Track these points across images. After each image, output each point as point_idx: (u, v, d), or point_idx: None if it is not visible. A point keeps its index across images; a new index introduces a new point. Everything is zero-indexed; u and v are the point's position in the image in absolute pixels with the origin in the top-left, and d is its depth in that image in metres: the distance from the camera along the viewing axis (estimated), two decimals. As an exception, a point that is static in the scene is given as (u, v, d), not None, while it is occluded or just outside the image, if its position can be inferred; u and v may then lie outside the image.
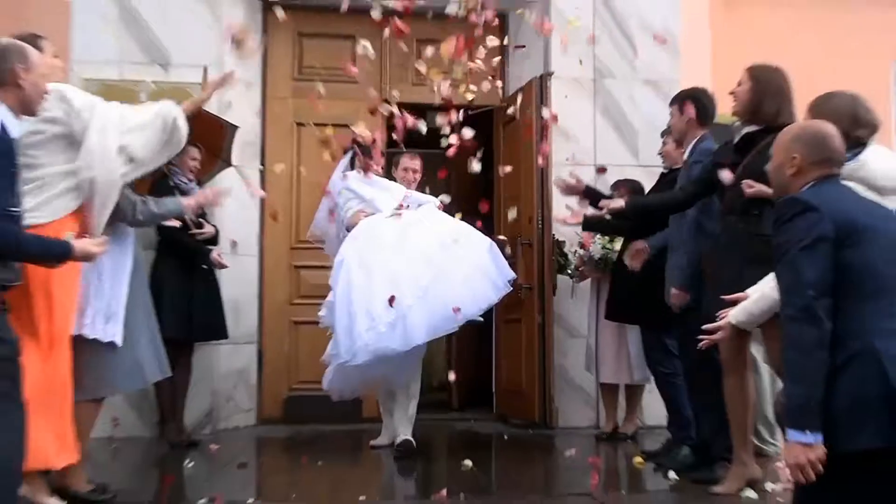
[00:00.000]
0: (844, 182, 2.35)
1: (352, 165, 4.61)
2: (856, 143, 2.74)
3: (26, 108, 2.69)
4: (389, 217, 4.30)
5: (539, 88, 5.35)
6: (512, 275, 4.41)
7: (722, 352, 3.33)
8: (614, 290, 4.59)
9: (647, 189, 4.77)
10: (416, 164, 4.69)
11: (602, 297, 4.88)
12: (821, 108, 2.80)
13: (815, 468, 1.98)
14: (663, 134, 4.59)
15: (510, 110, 4.84)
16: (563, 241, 5.19)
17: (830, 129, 2.29)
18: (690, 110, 3.81)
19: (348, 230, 4.35)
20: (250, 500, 3.29)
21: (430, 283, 3.96)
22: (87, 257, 2.75)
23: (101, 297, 3.22)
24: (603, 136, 5.59)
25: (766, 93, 3.35)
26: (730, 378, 3.35)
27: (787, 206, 2.15)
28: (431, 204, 4.50)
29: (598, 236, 4.81)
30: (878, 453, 1.97)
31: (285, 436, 5.17)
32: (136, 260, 3.43)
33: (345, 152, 4.64)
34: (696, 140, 3.83)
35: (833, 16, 6.79)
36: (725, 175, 3.32)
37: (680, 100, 3.94)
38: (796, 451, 2.00)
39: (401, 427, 4.34)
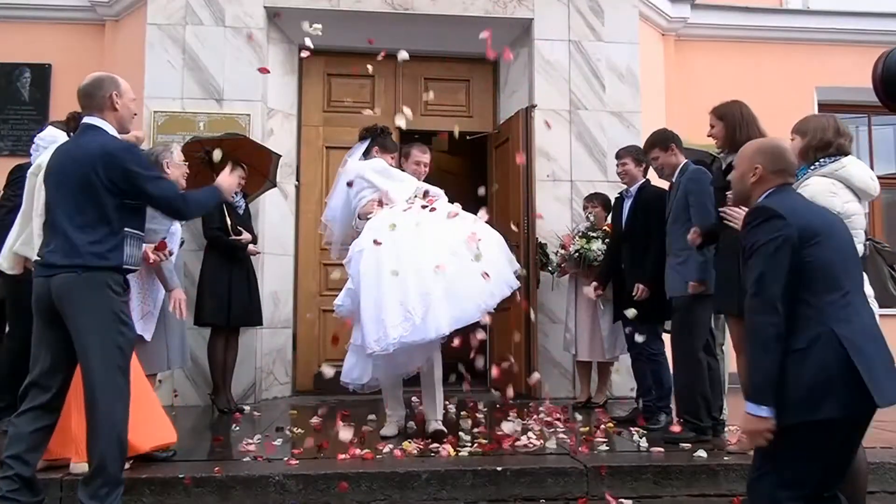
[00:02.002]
0: (799, 190, 2.23)
1: (365, 155, 3.92)
2: (838, 150, 2.62)
3: (122, 127, 2.68)
4: (410, 210, 3.59)
5: (524, 118, 5.23)
6: (518, 267, 3.77)
7: (733, 337, 3.29)
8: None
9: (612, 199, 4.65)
10: (427, 157, 3.98)
11: (579, 290, 4.73)
12: (809, 122, 2.68)
13: (766, 437, 1.90)
14: (618, 156, 4.44)
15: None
16: (546, 244, 5.06)
17: (786, 145, 2.17)
18: (675, 149, 3.86)
19: (360, 218, 3.68)
20: (286, 458, 3.19)
21: (454, 274, 3.31)
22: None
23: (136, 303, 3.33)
24: (577, 156, 5.46)
25: (734, 125, 3.30)
26: (740, 357, 3.24)
27: (757, 212, 2.04)
28: (444, 197, 3.81)
29: (577, 237, 4.67)
30: (836, 421, 1.89)
31: (315, 404, 5.04)
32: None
33: (361, 139, 4.00)
34: (681, 165, 3.85)
35: (762, 52, 6.64)
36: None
37: (662, 143, 3.89)
38: (753, 422, 1.91)
39: (430, 412, 3.71)
